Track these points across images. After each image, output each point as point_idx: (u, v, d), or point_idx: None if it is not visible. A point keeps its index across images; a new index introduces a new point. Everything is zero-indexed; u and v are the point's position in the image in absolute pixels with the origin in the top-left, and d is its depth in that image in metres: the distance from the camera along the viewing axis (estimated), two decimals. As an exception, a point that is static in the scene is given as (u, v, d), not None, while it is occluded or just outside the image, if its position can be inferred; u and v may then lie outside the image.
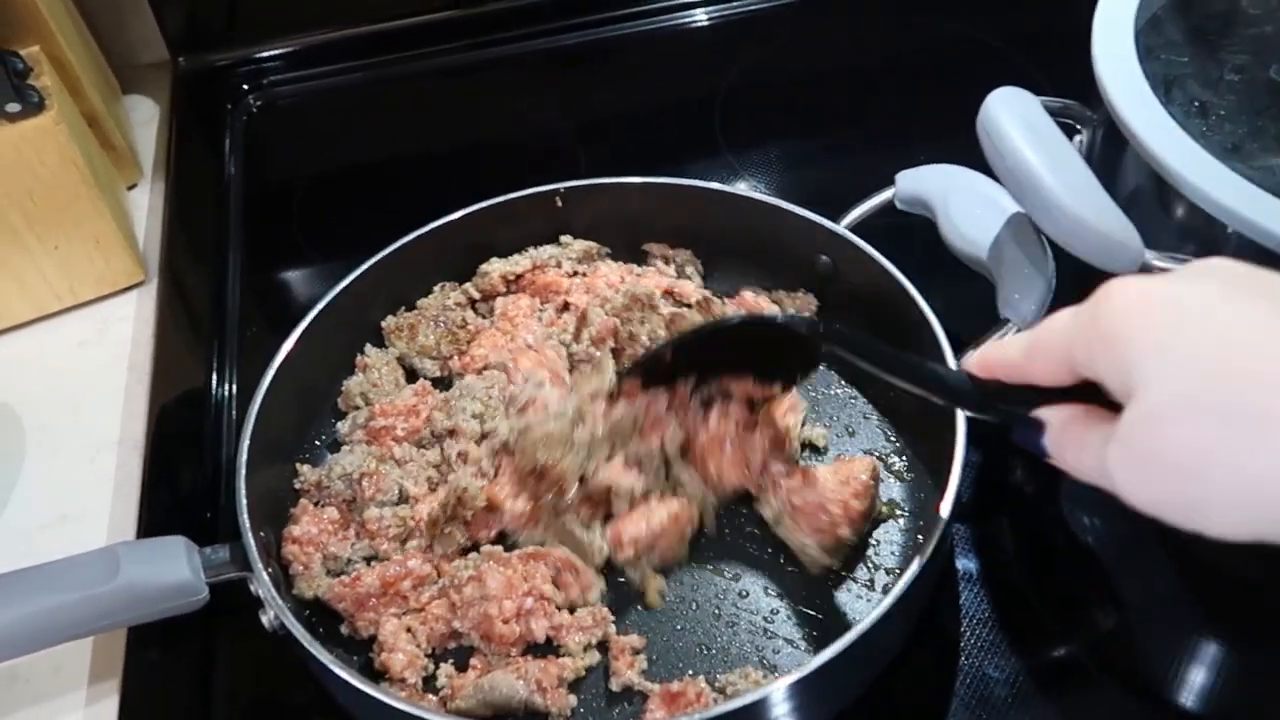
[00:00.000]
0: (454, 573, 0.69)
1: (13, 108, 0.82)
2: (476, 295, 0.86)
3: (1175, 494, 0.43)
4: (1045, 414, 0.50)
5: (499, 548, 0.70)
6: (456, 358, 0.83)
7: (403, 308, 0.86)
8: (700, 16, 1.21)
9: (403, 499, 0.74)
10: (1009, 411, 0.53)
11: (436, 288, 0.87)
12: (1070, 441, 0.49)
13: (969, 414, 0.56)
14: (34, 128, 0.83)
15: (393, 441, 0.77)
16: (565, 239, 0.88)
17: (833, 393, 0.81)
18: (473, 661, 0.67)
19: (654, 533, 0.69)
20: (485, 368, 0.82)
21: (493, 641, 0.66)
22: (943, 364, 0.55)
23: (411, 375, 0.83)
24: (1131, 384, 0.43)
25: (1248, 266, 0.44)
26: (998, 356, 0.52)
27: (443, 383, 0.83)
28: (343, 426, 0.80)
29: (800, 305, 0.83)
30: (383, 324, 0.85)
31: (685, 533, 0.71)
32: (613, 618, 0.69)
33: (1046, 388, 0.50)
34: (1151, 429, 0.42)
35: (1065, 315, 0.48)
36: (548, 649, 0.68)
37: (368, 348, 0.84)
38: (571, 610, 0.69)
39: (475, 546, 0.72)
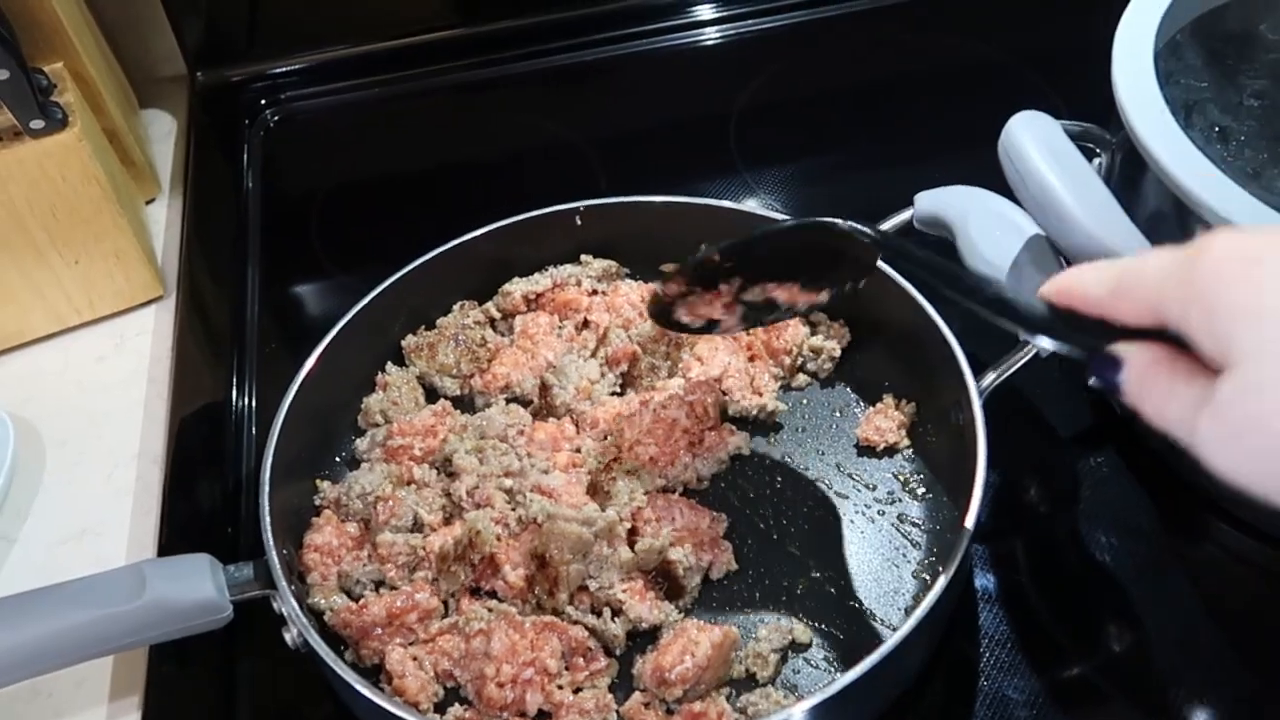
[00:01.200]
0: (466, 618, 0.69)
1: (37, 124, 0.82)
2: (497, 314, 0.87)
3: (1270, 474, 0.40)
4: (1127, 352, 0.46)
5: (513, 608, 0.69)
6: (478, 376, 0.83)
7: (422, 326, 0.86)
8: (712, 34, 1.22)
9: (416, 526, 0.74)
10: (1085, 342, 0.49)
11: (456, 306, 0.87)
12: (1154, 389, 0.45)
13: (1041, 340, 0.52)
14: (57, 144, 0.84)
15: (410, 461, 0.77)
16: (585, 258, 0.88)
17: (852, 411, 0.81)
18: (464, 712, 0.66)
19: (700, 667, 0.65)
20: (507, 386, 0.82)
21: (482, 701, 0.66)
22: (1011, 290, 0.52)
23: (432, 394, 0.84)
24: (1229, 353, 0.41)
25: None
26: (1079, 288, 0.48)
27: (463, 401, 0.83)
28: (361, 444, 0.80)
29: (836, 334, 0.84)
30: (403, 343, 0.85)
31: (730, 658, 0.68)
32: (616, 706, 0.66)
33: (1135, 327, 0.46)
34: (1250, 406, 0.40)
35: (1161, 259, 0.44)
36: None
37: (389, 366, 0.84)
38: (576, 690, 0.67)
39: (479, 589, 0.72)
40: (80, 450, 0.86)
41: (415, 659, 0.68)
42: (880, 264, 0.64)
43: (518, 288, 0.87)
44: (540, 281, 0.87)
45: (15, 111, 0.81)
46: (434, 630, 0.69)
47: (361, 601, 0.70)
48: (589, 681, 0.67)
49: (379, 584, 0.72)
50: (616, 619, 0.69)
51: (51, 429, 0.87)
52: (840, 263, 0.65)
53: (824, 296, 0.68)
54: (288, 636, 0.66)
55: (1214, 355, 0.42)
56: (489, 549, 0.71)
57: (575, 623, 0.69)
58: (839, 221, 0.66)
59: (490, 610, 0.69)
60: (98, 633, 0.61)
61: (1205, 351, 0.42)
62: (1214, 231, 0.42)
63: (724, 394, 0.81)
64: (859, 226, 0.63)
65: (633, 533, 0.72)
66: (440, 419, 0.79)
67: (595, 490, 0.75)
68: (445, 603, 0.71)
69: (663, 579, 0.71)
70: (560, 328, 0.85)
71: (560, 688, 0.66)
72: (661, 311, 0.70)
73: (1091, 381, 0.48)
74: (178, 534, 0.78)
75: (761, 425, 0.81)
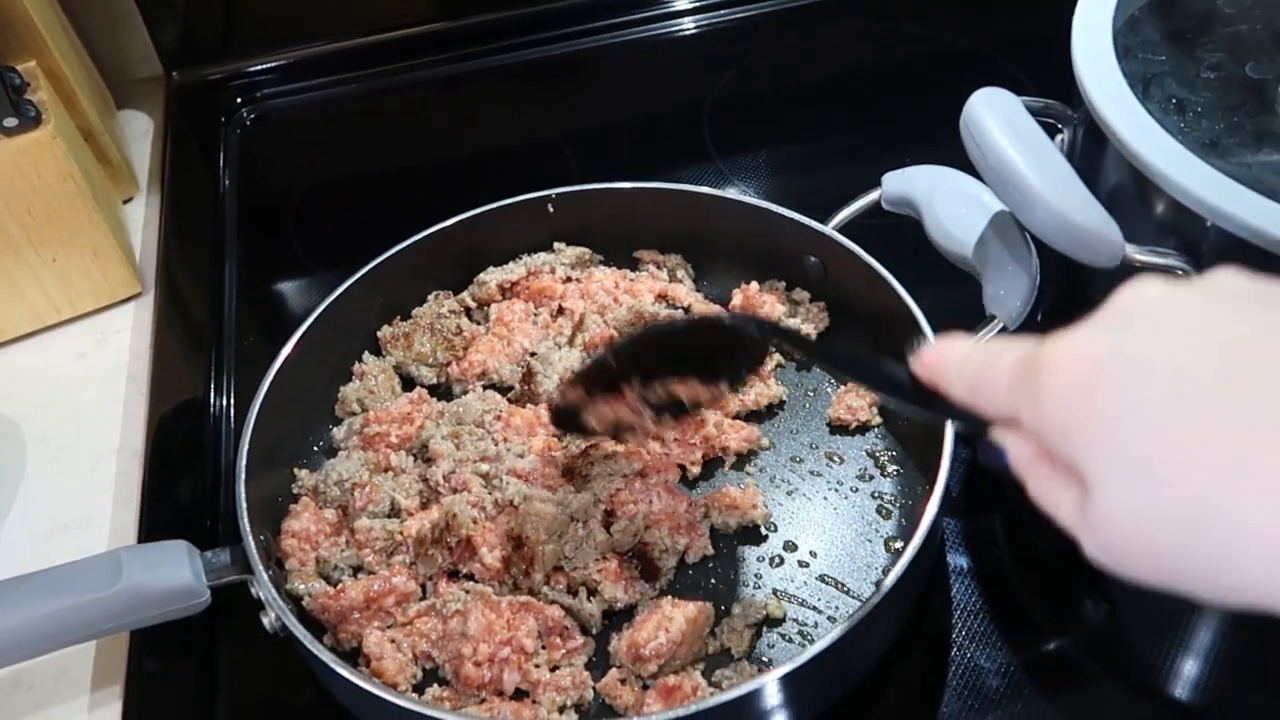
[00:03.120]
0: (444, 600, 0.69)
1: (10, 122, 0.83)
2: (472, 303, 0.88)
3: (1155, 581, 0.39)
4: (1006, 442, 0.45)
5: (490, 589, 0.70)
6: (454, 364, 0.84)
7: (398, 316, 0.87)
8: (688, 25, 1.23)
9: (394, 512, 0.75)
10: (965, 423, 0.48)
11: (431, 296, 0.88)
12: (1039, 485, 0.43)
13: (921, 412, 0.53)
14: (31, 142, 0.84)
15: (387, 449, 0.78)
16: (558, 246, 0.89)
17: (825, 391, 0.82)
18: (442, 692, 0.67)
19: (675, 642, 0.66)
20: (484, 374, 0.83)
21: (460, 680, 0.66)
22: (891, 363, 0.53)
23: (409, 383, 0.84)
24: (1086, 478, 0.39)
25: (1176, 293, 0.40)
26: (943, 378, 0.48)
27: (440, 389, 0.84)
28: (338, 432, 0.81)
29: (814, 317, 0.84)
30: (379, 333, 0.86)
31: (704, 632, 0.68)
32: (593, 683, 0.67)
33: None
34: (1116, 534, 0.39)
35: (1010, 363, 0.43)
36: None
37: (365, 356, 0.84)
38: (554, 669, 0.68)
39: (458, 572, 0.72)
40: (61, 446, 0.87)
41: (393, 641, 0.69)
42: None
43: (492, 277, 0.87)
44: (514, 270, 0.88)
45: (-12, 109, 0.82)
46: (411, 613, 0.70)
47: (339, 586, 0.70)
48: (566, 660, 0.68)
49: (356, 569, 0.73)
50: (592, 599, 0.70)
51: (32, 426, 0.88)
52: (734, 354, 0.65)
53: (724, 389, 0.68)
54: (266, 621, 0.66)
55: (1076, 471, 0.40)
56: (465, 532, 0.71)
57: (552, 602, 0.69)
58: (725, 314, 0.69)
59: (467, 592, 0.70)
60: (76, 619, 0.62)
61: (1070, 465, 0.40)
62: (1056, 340, 0.41)
63: None
64: (745, 318, 0.65)
65: (611, 515, 0.73)
66: (417, 406, 0.80)
67: (572, 474, 0.76)
68: (423, 586, 0.72)
69: (638, 560, 0.72)
70: (535, 315, 0.86)
71: (537, 666, 0.67)
72: (566, 420, 0.69)
73: (980, 454, 0.47)
74: (158, 527, 0.78)
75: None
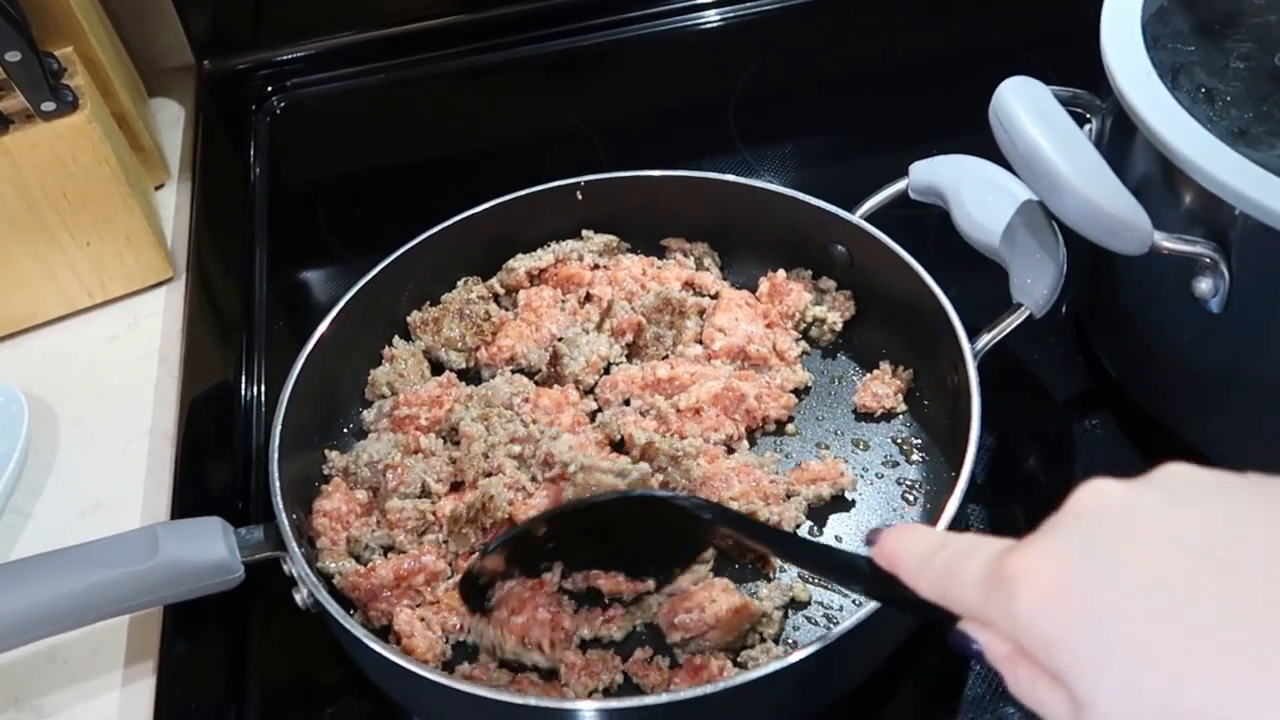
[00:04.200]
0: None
1: (48, 106, 0.84)
2: (500, 290, 0.88)
3: None
4: (980, 637, 0.43)
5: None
6: (483, 349, 0.84)
7: (427, 302, 0.87)
8: (712, 17, 1.23)
9: (424, 493, 0.76)
10: (931, 616, 0.45)
11: (460, 282, 0.88)
12: (1019, 684, 0.41)
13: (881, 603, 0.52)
14: (68, 126, 0.86)
15: (417, 431, 0.79)
16: (586, 233, 0.89)
17: (850, 378, 0.83)
18: (471, 669, 0.67)
19: (707, 624, 0.66)
20: (512, 358, 0.84)
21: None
22: (847, 553, 0.52)
23: (438, 368, 0.85)
24: (1075, 693, 0.38)
25: (1165, 507, 0.38)
26: (905, 572, 0.46)
27: (468, 374, 0.85)
28: (368, 414, 0.82)
29: (840, 305, 0.85)
30: (409, 318, 0.87)
31: (744, 628, 0.68)
32: (622, 667, 0.67)
33: None
34: None
35: (975, 572, 0.41)
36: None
37: (395, 340, 0.85)
38: (585, 647, 0.68)
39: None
40: (93, 427, 0.88)
41: (423, 620, 0.69)
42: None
43: (521, 263, 0.88)
44: (543, 257, 0.88)
45: (26, 93, 0.83)
46: (441, 591, 0.71)
47: (370, 565, 0.71)
48: (605, 627, 0.68)
49: (387, 549, 0.74)
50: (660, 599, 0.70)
51: (65, 407, 0.89)
52: (671, 536, 0.64)
53: (650, 585, 0.68)
54: (298, 597, 0.67)
55: (1063, 684, 0.39)
56: (501, 514, 0.72)
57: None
58: (672, 495, 0.67)
59: None
60: (113, 592, 0.63)
61: (1056, 677, 0.39)
62: (1023, 549, 0.40)
63: (754, 365, 0.82)
64: (689, 499, 0.63)
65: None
66: (446, 389, 0.81)
67: (621, 448, 0.77)
68: (450, 564, 0.72)
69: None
70: (563, 301, 0.87)
71: (571, 646, 0.67)
72: (472, 589, 0.64)
73: (951, 643, 0.45)
74: (189, 507, 0.80)
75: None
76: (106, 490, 0.83)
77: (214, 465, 0.84)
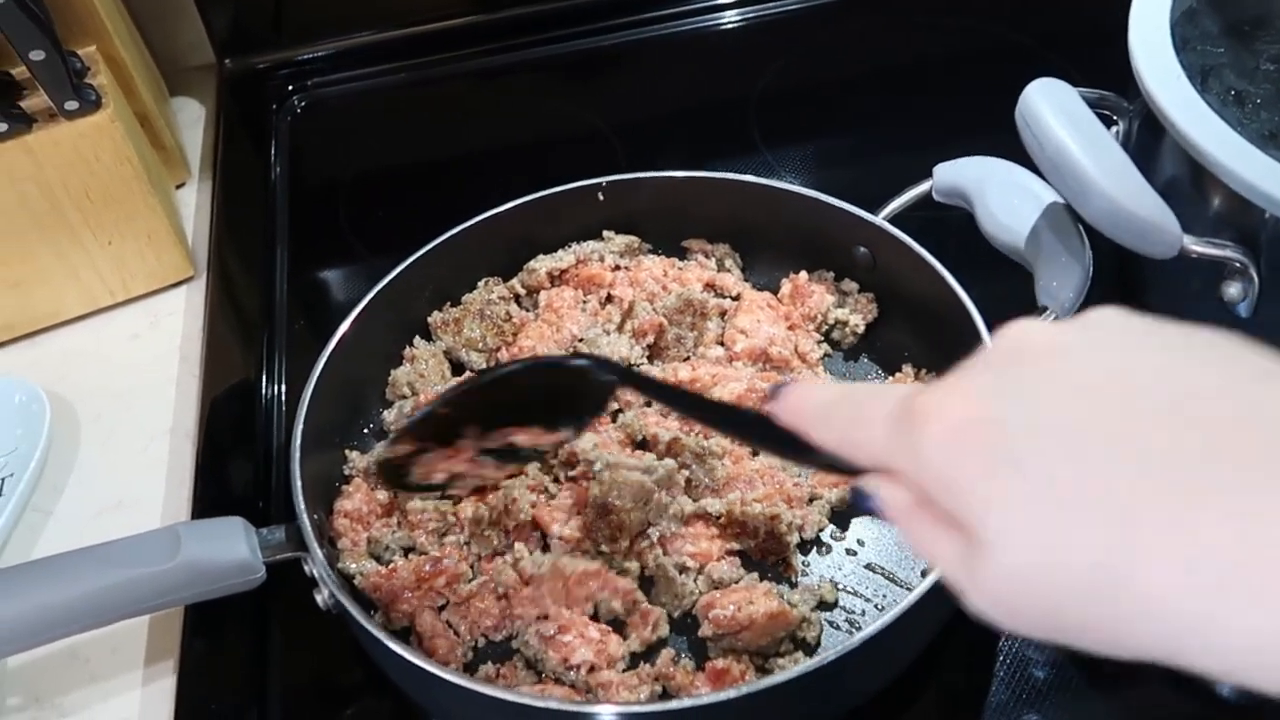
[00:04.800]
0: (508, 563, 0.70)
1: (71, 105, 0.84)
2: (521, 290, 0.88)
3: (1043, 637, 0.37)
4: (879, 490, 0.42)
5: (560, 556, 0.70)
6: (504, 350, 0.84)
7: (448, 303, 0.87)
8: (734, 17, 1.23)
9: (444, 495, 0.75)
10: (829, 467, 0.46)
11: (480, 282, 0.88)
12: (918, 535, 0.40)
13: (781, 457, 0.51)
14: (91, 125, 0.86)
15: None
16: (607, 234, 0.89)
17: (873, 381, 0.82)
18: (493, 670, 0.68)
19: (740, 623, 0.66)
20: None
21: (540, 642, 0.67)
22: (749, 409, 0.51)
23: (459, 368, 0.85)
24: (974, 531, 0.36)
25: (1091, 348, 0.37)
26: (806, 423, 0.45)
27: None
28: (389, 415, 0.82)
29: (863, 308, 0.84)
30: (429, 319, 0.86)
31: (779, 635, 0.67)
32: (659, 688, 0.66)
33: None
34: (1004, 590, 0.36)
35: (883, 415, 0.40)
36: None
37: (416, 340, 0.85)
38: (624, 664, 0.67)
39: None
40: (114, 426, 0.88)
41: (448, 623, 0.69)
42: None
43: (542, 264, 0.88)
44: (564, 258, 0.88)
45: (50, 92, 0.83)
46: (463, 593, 0.70)
47: (391, 566, 0.71)
48: (646, 630, 0.68)
49: (408, 550, 0.74)
50: (699, 578, 0.71)
51: (86, 406, 0.89)
52: (576, 397, 0.63)
53: (568, 434, 0.66)
54: (319, 598, 0.67)
55: (961, 522, 0.37)
56: (524, 517, 0.72)
57: (622, 573, 0.70)
58: (568, 358, 0.67)
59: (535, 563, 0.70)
60: (134, 592, 0.63)
61: (952, 515, 0.38)
62: (936, 387, 0.38)
63: (776, 368, 0.82)
64: (585, 357, 0.63)
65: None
66: None
67: (645, 447, 0.77)
68: (472, 566, 0.72)
69: (765, 539, 0.72)
70: (584, 302, 0.86)
71: (610, 665, 0.67)
72: (392, 475, 0.65)
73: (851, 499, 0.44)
74: (210, 506, 0.80)
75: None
76: (127, 489, 0.84)
77: (234, 464, 0.84)
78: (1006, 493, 0.35)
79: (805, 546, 0.73)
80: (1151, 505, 0.33)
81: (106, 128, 0.86)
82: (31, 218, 0.88)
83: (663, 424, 0.77)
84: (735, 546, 0.72)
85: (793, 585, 0.71)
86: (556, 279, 0.88)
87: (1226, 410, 0.34)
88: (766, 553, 0.72)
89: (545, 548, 0.72)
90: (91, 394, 0.90)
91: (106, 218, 0.91)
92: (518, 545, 0.72)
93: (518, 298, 0.88)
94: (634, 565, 0.70)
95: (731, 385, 0.78)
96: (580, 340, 0.83)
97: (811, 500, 0.74)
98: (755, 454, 0.77)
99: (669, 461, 0.72)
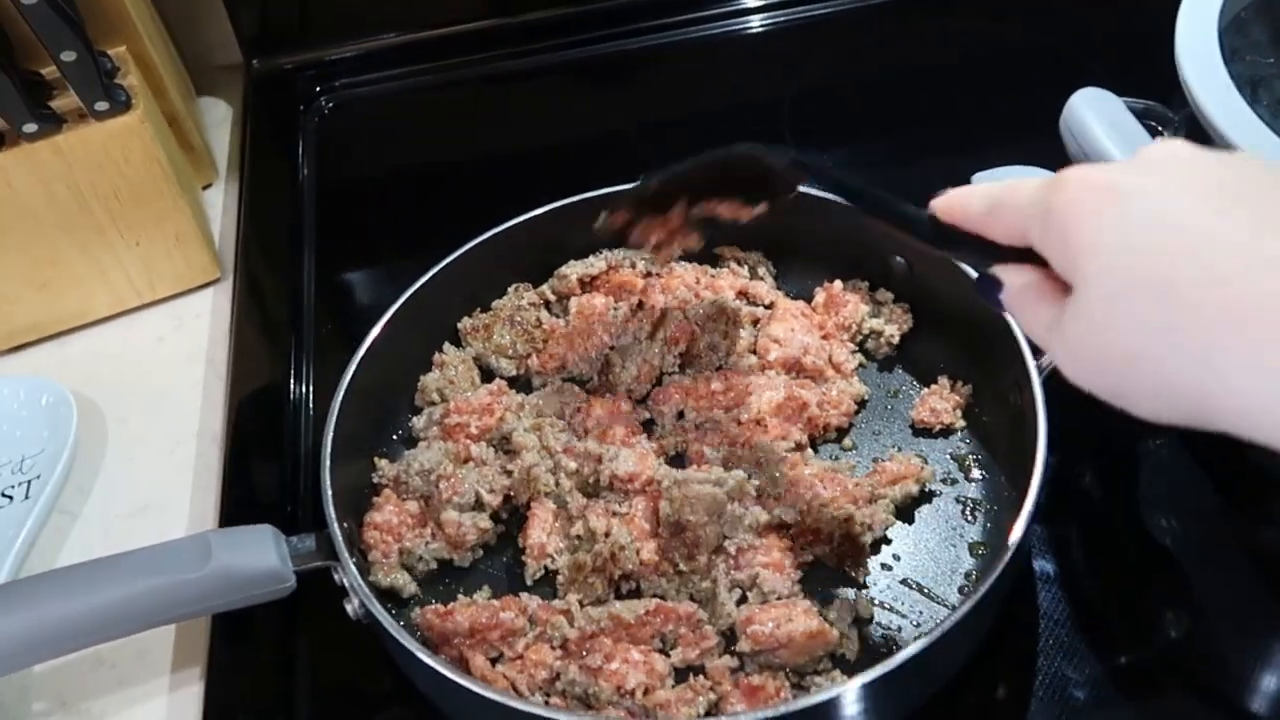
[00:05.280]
0: (552, 626, 0.69)
1: (101, 106, 0.84)
2: (552, 297, 0.87)
3: (1106, 384, 0.46)
4: (1003, 274, 0.51)
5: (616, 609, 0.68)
6: (534, 357, 0.83)
7: (478, 309, 0.87)
8: (765, 20, 1.21)
9: (478, 504, 0.74)
10: (969, 257, 0.55)
11: (510, 288, 0.87)
12: (1022, 308, 0.50)
13: (935, 249, 0.57)
14: (121, 126, 0.85)
15: (467, 439, 0.78)
16: (638, 239, 0.88)
17: (908, 393, 0.81)
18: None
19: (779, 641, 0.65)
20: (563, 366, 0.83)
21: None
22: (912, 207, 0.56)
23: (488, 374, 0.84)
24: (1074, 279, 0.45)
25: (1204, 156, 0.45)
26: (960, 206, 0.52)
27: (519, 381, 0.84)
28: (418, 421, 0.81)
29: (897, 318, 0.83)
30: (459, 325, 0.86)
31: (816, 653, 0.66)
32: (714, 697, 0.66)
33: (1007, 246, 0.50)
34: (1083, 327, 0.45)
35: (1030, 187, 0.48)
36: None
37: (445, 346, 0.84)
38: (677, 684, 0.66)
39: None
40: (141, 428, 0.88)
41: (507, 677, 0.67)
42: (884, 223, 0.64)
43: (573, 270, 0.87)
44: (595, 264, 0.87)
45: (81, 93, 0.83)
46: (520, 648, 0.68)
47: (450, 606, 0.69)
48: (698, 656, 0.67)
49: (443, 562, 0.73)
50: (742, 605, 0.69)
51: (113, 407, 0.89)
52: (767, 181, 0.69)
53: (763, 208, 0.70)
54: (349, 608, 0.67)
55: (1067, 279, 0.46)
56: (630, 566, 0.70)
57: (695, 595, 0.69)
58: (757, 147, 0.68)
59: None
60: (164, 600, 0.62)
61: (1061, 274, 0.47)
62: (1071, 170, 0.46)
63: (809, 377, 0.81)
64: (773, 149, 0.67)
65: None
66: (496, 398, 0.80)
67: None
68: (530, 620, 0.70)
69: (841, 542, 0.71)
70: (615, 309, 0.85)
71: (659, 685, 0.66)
72: (612, 239, 0.76)
73: (977, 288, 0.53)
74: (237, 511, 0.79)
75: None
76: (153, 493, 0.83)
77: (262, 469, 0.84)
78: (1108, 247, 0.43)
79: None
80: (1232, 297, 0.40)
81: (136, 128, 0.86)
82: (60, 218, 0.87)
83: (702, 439, 0.76)
84: (808, 557, 0.71)
85: (862, 586, 0.70)
86: (587, 285, 0.87)
87: None
88: (842, 557, 0.71)
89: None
90: (118, 396, 0.90)
91: (134, 218, 0.90)
92: (569, 597, 0.70)
93: (548, 304, 0.87)
94: (708, 584, 0.69)
95: (769, 394, 0.77)
96: (611, 348, 0.82)
97: (874, 499, 0.73)
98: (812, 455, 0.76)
99: (737, 472, 0.71)
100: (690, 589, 0.69)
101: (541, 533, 0.73)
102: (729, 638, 0.68)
